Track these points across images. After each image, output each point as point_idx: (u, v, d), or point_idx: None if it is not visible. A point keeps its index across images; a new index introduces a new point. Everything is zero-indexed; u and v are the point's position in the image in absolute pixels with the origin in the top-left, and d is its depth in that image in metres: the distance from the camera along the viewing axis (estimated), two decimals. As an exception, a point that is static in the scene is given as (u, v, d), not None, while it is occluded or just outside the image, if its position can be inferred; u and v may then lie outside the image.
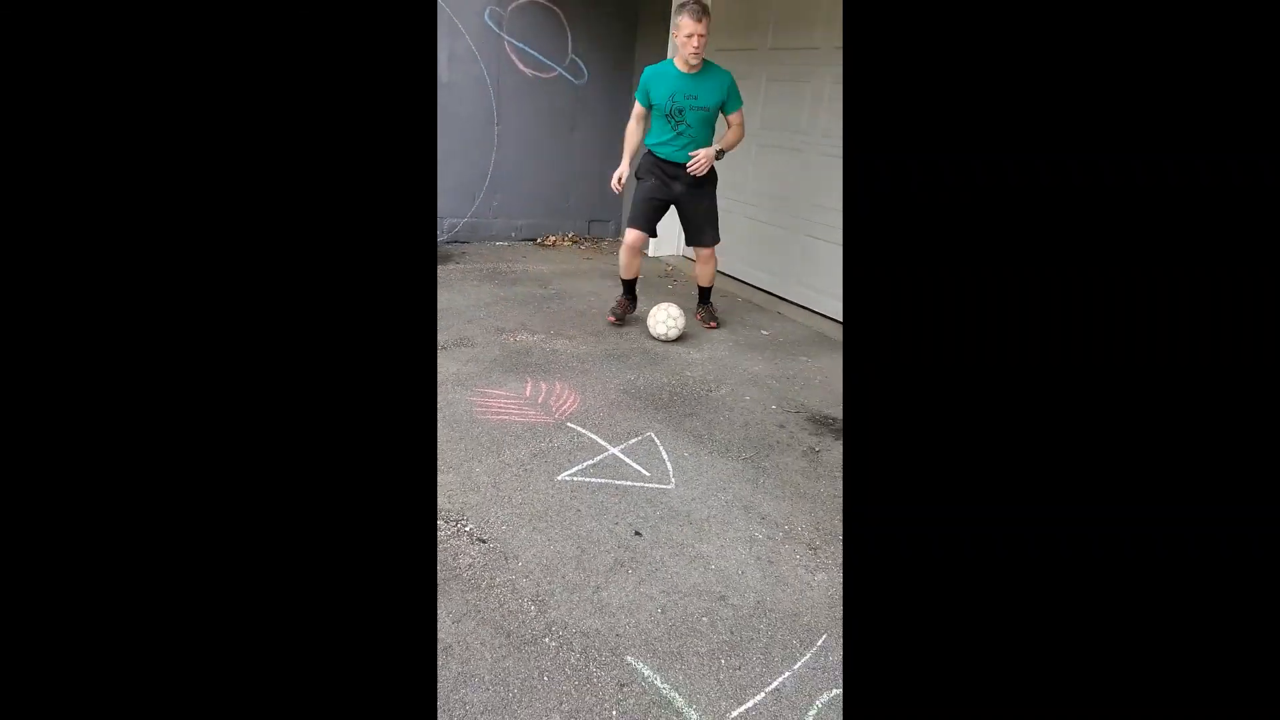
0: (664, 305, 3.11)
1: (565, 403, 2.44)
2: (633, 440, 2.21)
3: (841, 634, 1.47)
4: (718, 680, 1.33)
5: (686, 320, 3.14)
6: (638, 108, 3.00)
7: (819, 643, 1.44)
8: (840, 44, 3.40)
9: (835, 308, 3.60)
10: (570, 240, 4.90)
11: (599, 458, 2.09)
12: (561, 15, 4.43)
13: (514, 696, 1.25)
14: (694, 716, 1.24)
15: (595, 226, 5.04)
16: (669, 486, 1.98)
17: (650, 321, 3.10)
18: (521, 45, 4.36)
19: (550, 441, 2.16)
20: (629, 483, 1.98)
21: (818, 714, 1.27)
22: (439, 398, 2.37)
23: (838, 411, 2.56)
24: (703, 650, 1.40)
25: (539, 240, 4.82)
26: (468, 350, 2.81)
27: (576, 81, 4.62)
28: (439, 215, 4.35)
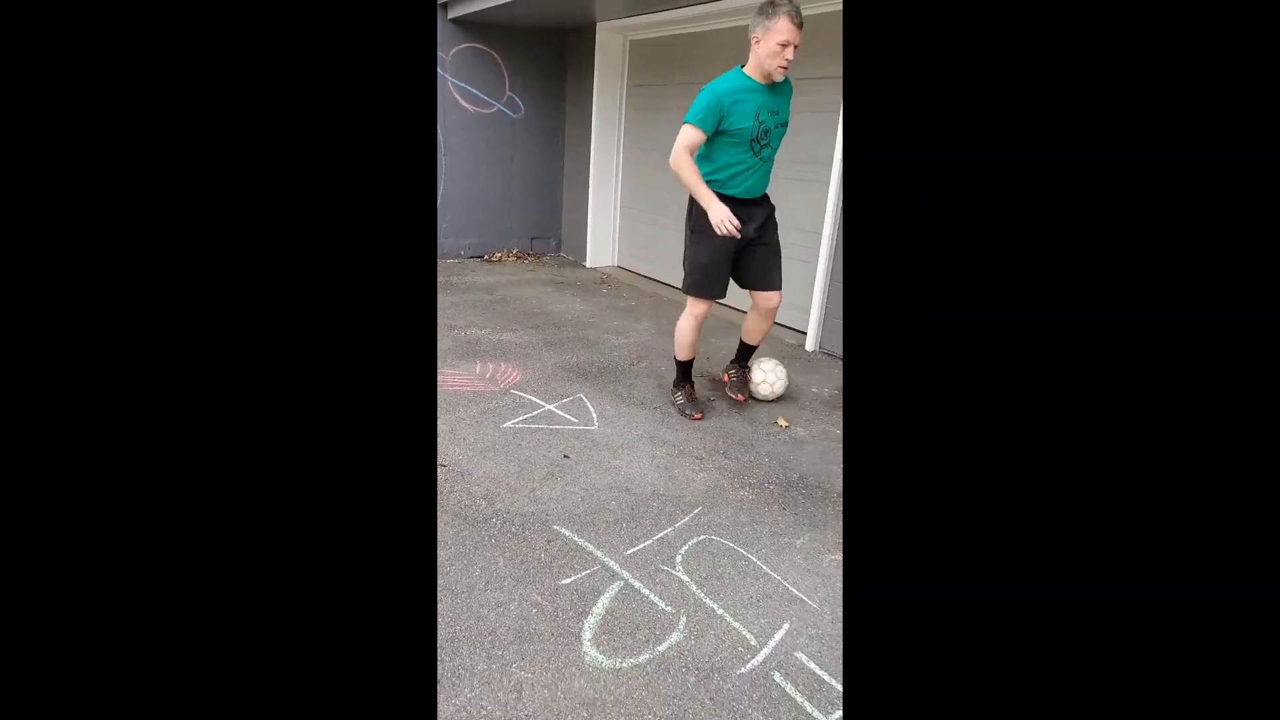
0: (765, 361, 2.84)
1: (509, 377, 2.94)
2: (565, 400, 2.72)
3: (712, 506, 2.00)
4: (619, 534, 1.84)
5: (784, 372, 2.83)
6: (693, 136, 2.25)
7: (695, 511, 1.97)
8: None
9: (742, 300, 4.19)
10: (514, 256, 5.43)
11: (536, 412, 2.60)
12: (498, 57, 5.01)
13: (469, 551, 1.74)
14: (599, 554, 1.75)
15: (536, 243, 5.58)
16: (593, 428, 2.49)
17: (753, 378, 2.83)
18: (463, 85, 4.92)
19: (497, 403, 2.65)
20: (561, 426, 2.48)
21: (688, 550, 1.79)
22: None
23: (735, 375, 3.13)
24: (610, 519, 1.91)
25: (485, 257, 5.33)
26: (425, 342, 3.28)
27: (514, 116, 5.19)
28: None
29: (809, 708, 1.32)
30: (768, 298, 2.51)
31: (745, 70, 2.28)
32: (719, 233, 2.23)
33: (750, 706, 1.31)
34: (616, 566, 1.71)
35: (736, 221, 2.23)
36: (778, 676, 1.39)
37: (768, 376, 2.77)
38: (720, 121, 2.24)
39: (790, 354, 3.46)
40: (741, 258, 2.46)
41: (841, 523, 1.96)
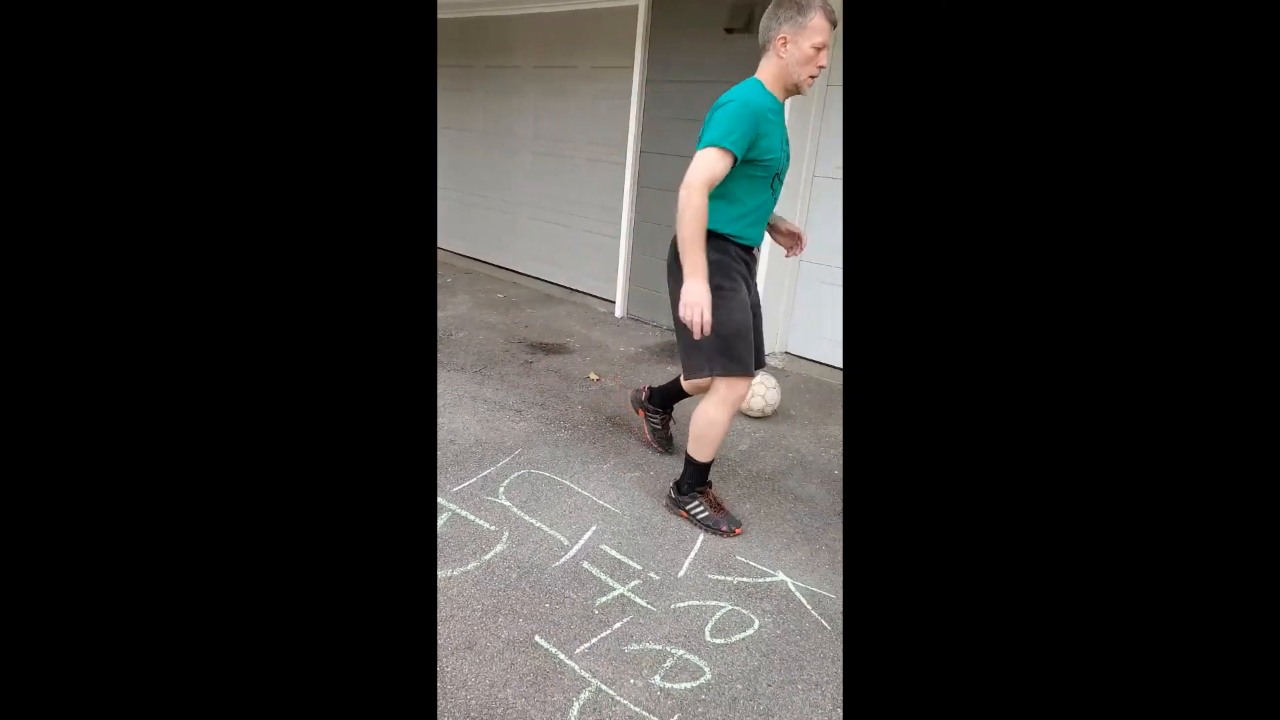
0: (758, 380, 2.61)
1: (326, 352, 2.96)
2: (385, 369, 2.82)
3: (531, 447, 2.25)
4: (446, 476, 2.03)
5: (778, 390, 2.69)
6: (722, 166, 1.62)
7: (516, 452, 2.21)
8: (537, 64, 4.26)
9: (554, 273, 4.46)
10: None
11: (357, 381, 2.67)
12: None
13: (300, 503, 1.84)
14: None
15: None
16: (415, 392, 2.63)
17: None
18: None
19: (314, 375, 2.69)
20: (383, 393, 2.59)
21: (509, 484, 2.04)
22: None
23: (549, 339, 3.40)
24: (438, 465, 2.09)
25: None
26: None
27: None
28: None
29: (611, 582, 1.64)
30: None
31: (764, 83, 1.69)
32: (688, 323, 1.61)
33: (565, 587, 1.60)
34: (444, 501, 1.91)
35: (706, 325, 1.61)
36: (586, 564, 1.69)
37: (762, 391, 2.62)
38: (751, 147, 1.64)
39: (601, 320, 3.79)
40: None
41: (638, 450, 2.32)
